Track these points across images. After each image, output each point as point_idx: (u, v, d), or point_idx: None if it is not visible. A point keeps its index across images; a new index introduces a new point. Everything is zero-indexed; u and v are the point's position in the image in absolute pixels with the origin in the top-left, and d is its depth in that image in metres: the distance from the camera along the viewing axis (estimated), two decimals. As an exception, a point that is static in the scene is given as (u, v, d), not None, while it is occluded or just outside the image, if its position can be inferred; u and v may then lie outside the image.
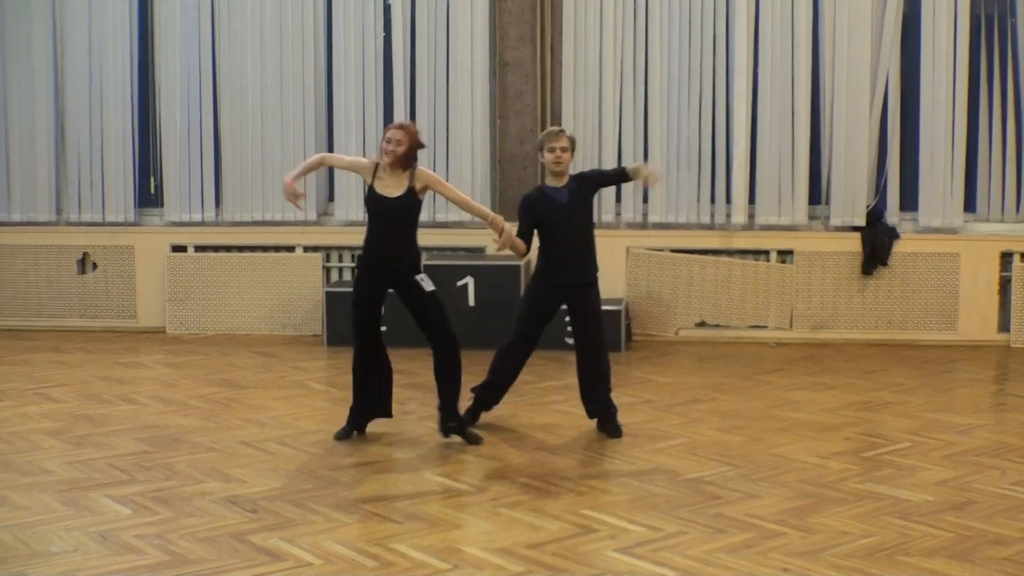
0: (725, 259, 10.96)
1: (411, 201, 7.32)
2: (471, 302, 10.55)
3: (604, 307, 10.45)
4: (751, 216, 10.96)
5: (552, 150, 7.58)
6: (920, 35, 10.77)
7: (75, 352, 10.57)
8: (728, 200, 10.99)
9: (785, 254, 10.97)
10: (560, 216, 7.54)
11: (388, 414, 7.65)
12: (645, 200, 11.04)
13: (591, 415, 7.72)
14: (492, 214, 7.48)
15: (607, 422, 7.64)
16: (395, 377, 9.42)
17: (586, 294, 7.63)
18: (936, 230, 10.86)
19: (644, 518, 5.98)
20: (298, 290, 11.31)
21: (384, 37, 11.26)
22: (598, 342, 7.65)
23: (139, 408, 8.43)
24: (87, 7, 11.42)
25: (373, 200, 7.30)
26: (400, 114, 11.13)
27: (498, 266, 10.67)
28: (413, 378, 9.27)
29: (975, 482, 6.58)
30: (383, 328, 7.32)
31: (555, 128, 7.86)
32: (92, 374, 9.61)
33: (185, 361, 10.21)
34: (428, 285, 7.34)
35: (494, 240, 7.44)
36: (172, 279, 11.43)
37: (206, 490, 6.45)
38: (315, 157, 7.86)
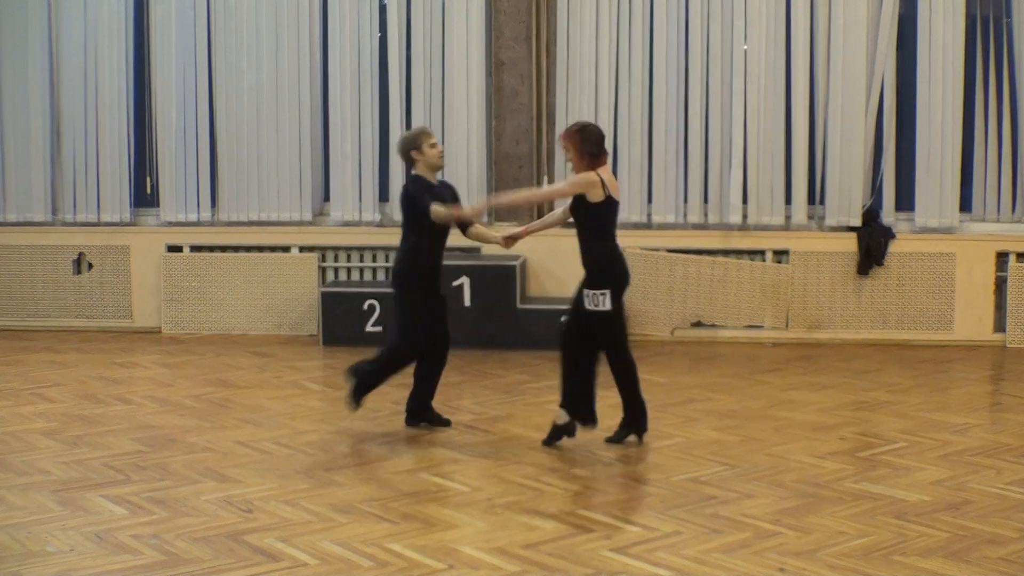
0: (721, 259, 10.97)
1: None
2: (467, 302, 10.55)
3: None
4: (745, 216, 10.96)
5: (434, 146, 7.57)
6: (916, 36, 10.78)
7: (71, 352, 10.56)
8: (724, 200, 10.98)
9: (781, 254, 10.98)
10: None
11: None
12: (650, 200, 11.05)
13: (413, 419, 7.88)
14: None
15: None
16: (392, 379, 9.45)
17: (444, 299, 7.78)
18: (932, 230, 10.87)
19: (640, 518, 5.99)
20: (294, 290, 11.30)
21: (380, 37, 11.25)
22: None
23: (135, 408, 8.42)
24: (83, 7, 11.41)
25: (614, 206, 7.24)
26: (395, 113, 11.13)
27: (494, 266, 10.68)
28: (409, 379, 9.26)
29: (971, 482, 6.59)
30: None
31: (426, 127, 8.01)
32: (88, 374, 9.61)
33: (181, 361, 10.20)
34: None
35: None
36: (168, 279, 11.42)
37: (202, 490, 6.45)
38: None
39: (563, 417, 7.29)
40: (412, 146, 7.57)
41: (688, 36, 10.90)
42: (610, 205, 7.14)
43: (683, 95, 10.94)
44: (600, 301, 7.12)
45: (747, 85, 10.84)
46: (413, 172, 7.60)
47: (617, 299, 7.17)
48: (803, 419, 8.07)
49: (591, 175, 7.09)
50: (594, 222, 7.17)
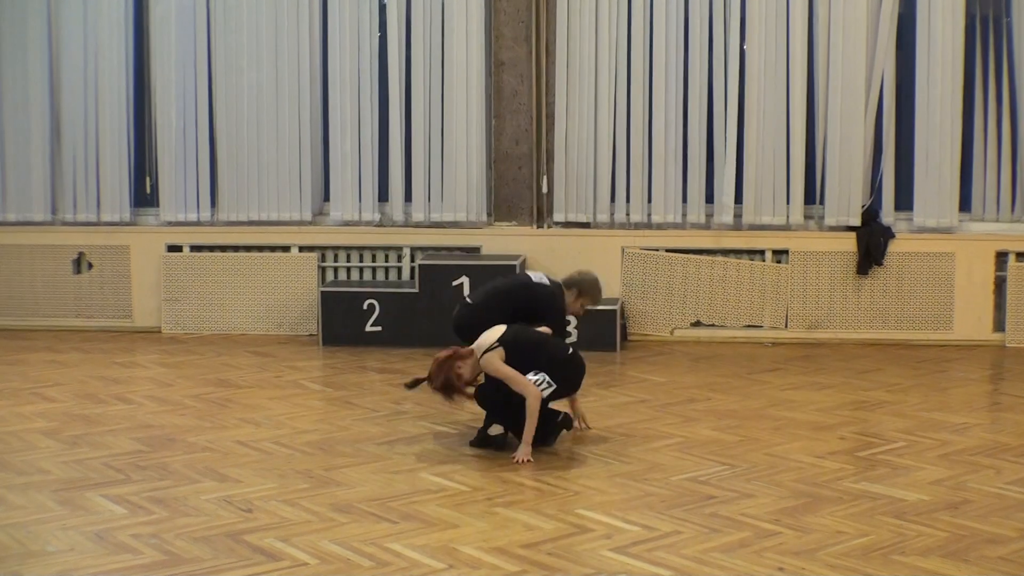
0: (720, 259, 10.96)
1: None
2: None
3: (601, 306, 10.49)
4: (738, 216, 10.96)
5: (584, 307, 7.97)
6: (915, 34, 10.76)
7: (71, 352, 10.56)
8: (724, 200, 10.97)
9: (780, 254, 10.98)
10: None
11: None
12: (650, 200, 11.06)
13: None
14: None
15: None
16: (390, 376, 9.45)
17: None
18: (931, 230, 10.87)
19: (639, 517, 5.99)
20: (293, 290, 11.30)
21: (380, 36, 11.25)
22: None
23: (135, 408, 8.42)
24: (83, 6, 11.40)
25: None
26: (395, 112, 11.13)
27: (493, 266, 10.66)
28: (408, 378, 9.26)
29: (970, 481, 6.59)
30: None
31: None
32: (88, 374, 9.60)
33: (181, 361, 10.20)
34: None
35: None
36: (168, 279, 11.42)
37: (201, 490, 6.45)
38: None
39: (497, 428, 7.34)
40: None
41: (688, 36, 10.89)
42: None
43: (683, 95, 10.92)
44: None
45: (747, 85, 10.83)
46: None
47: None
48: (802, 419, 8.07)
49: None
50: None
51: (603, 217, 11.08)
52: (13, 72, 11.52)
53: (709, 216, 11.02)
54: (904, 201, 10.97)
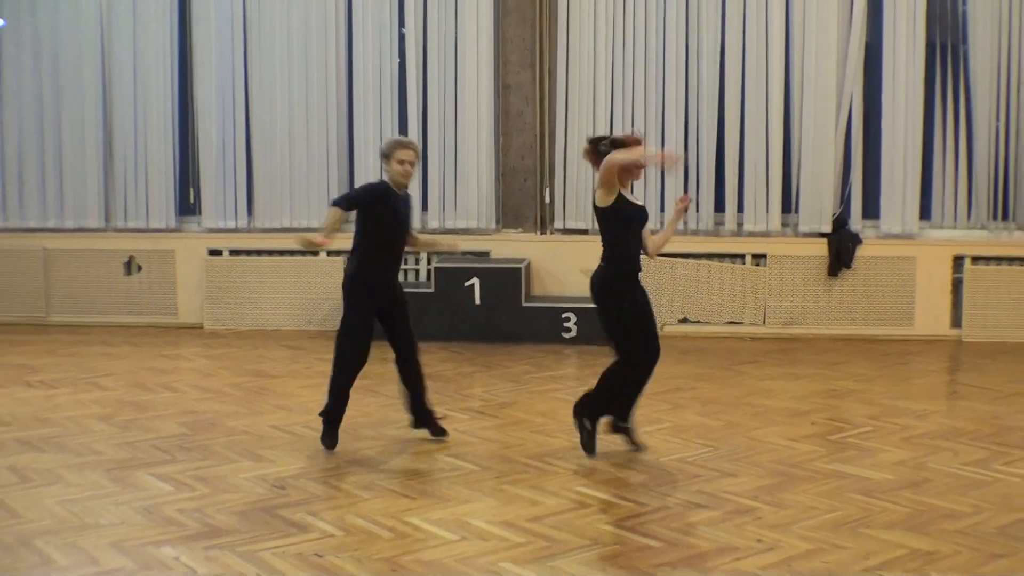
0: (705, 262, 10.96)
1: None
2: (477, 301, 10.55)
3: (595, 305, 10.48)
4: (721, 224, 10.95)
5: (402, 162, 6.74)
6: (881, 60, 10.76)
7: (122, 345, 10.58)
8: (716, 209, 10.97)
9: (759, 258, 10.97)
10: (399, 220, 6.84)
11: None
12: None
13: (418, 423, 7.10)
14: None
15: (431, 424, 7.13)
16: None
17: (399, 297, 6.95)
18: (895, 236, 10.85)
19: (632, 494, 5.99)
20: (322, 290, 11.30)
21: (399, 62, 11.26)
22: (415, 346, 7.05)
23: (179, 395, 8.43)
24: (132, 34, 11.43)
25: (630, 211, 6.69)
26: (413, 130, 11.13)
27: (501, 268, 10.68)
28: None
29: (930, 462, 6.59)
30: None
31: (407, 139, 7.05)
32: (138, 365, 9.62)
33: (221, 353, 10.22)
34: None
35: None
36: (209, 280, 11.43)
37: (239, 469, 6.46)
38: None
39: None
40: (385, 156, 6.81)
41: (677, 63, 10.87)
42: (626, 207, 6.77)
43: (672, 115, 10.91)
44: None
45: (729, 107, 10.83)
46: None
47: (618, 293, 6.76)
48: (779, 406, 8.07)
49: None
50: None
51: (600, 224, 11.05)
52: (70, 94, 11.55)
53: (695, 224, 11.01)
54: (871, 210, 10.96)
